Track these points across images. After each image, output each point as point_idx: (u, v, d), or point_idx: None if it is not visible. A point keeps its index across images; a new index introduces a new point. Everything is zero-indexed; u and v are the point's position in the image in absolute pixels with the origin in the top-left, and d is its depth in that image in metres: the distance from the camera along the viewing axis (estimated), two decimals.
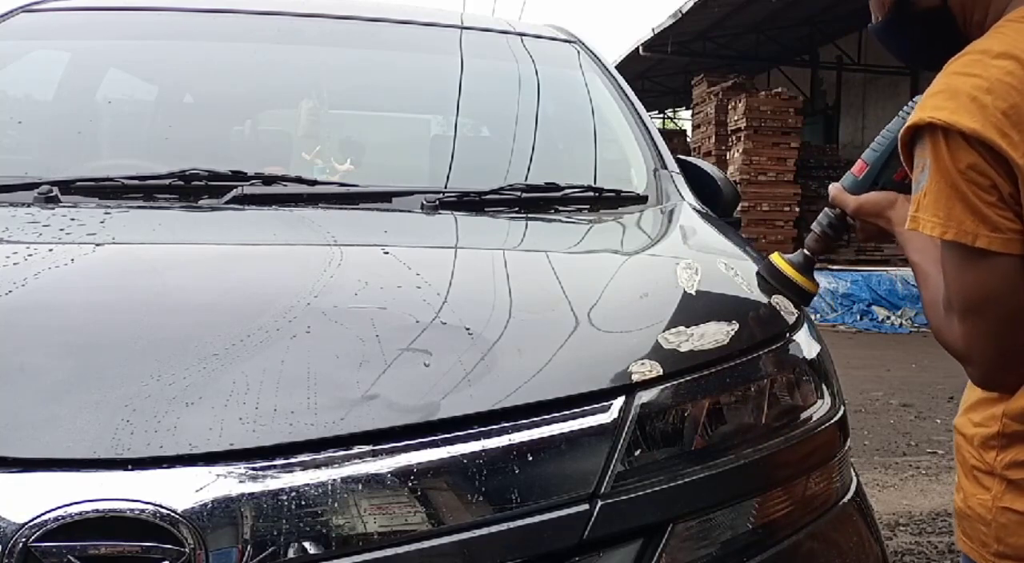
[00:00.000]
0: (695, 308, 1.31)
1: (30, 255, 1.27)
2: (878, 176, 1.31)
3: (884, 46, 1.31)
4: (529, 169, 1.99)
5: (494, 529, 1.01)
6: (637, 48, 16.62)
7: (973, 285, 1.08)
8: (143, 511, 0.90)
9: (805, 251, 1.41)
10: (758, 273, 1.44)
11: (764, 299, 1.38)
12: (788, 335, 1.34)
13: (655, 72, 19.69)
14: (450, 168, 2.04)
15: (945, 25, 1.19)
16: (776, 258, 1.41)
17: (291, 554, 0.94)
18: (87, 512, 0.89)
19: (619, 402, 1.11)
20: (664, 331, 1.21)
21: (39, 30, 2.22)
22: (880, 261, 11.92)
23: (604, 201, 1.87)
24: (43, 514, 0.89)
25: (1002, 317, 1.07)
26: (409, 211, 1.69)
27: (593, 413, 1.09)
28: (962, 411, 1.24)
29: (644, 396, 1.13)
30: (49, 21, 2.24)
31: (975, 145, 1.03)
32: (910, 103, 1.30)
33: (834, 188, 1.36)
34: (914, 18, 1.22)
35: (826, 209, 1.40)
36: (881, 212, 1.29)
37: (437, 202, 1.69)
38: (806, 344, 1.37)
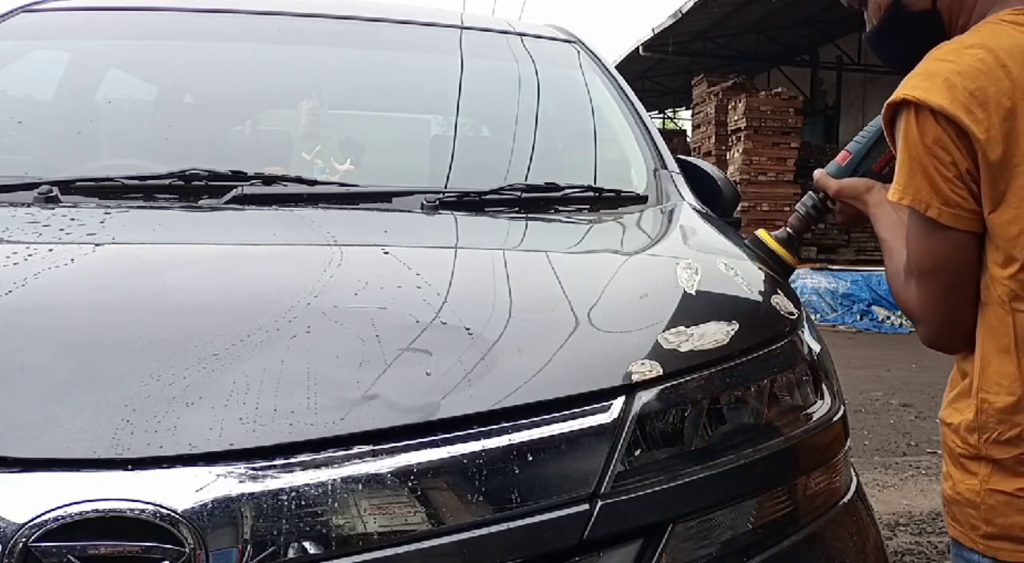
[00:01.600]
0: (695, 308, 1.31)
1: (30, 255, 1.27)
2: (859, 165, 1.46)
3: (877, 51, 1.41)
4: (529, 169, 1.99)
5: (494, 529, 1.01)
6: (637, 48, 16.62)
7: (928, 252, 1.21)
8: (143, 511, 0.90)
9: (788, 229, 1.55)
10: (745, 243, 1.55)
11: (764, 299, 1.39)
12: (788, 335, 1.34)
13: (655, 72, 19.69)
14: (450, 168, 2.04)
15: (934, 28, 1.29)
16: (762, 233, 1.57)
17: (291, 554, 0.94)
18: (87, 512, 0.89)
19: (619, 402, 1.11)
20: (664, 331, 1.21)
21: (39, 30, 2.22)
22: (880, 261, 11.91)
23: (604, 201, 1.87)
24: (43, 514, 0.89)
25: (950, 283, 1.21)
26: (409, 211, 1.69)
27: (593, 413, 1.09)
28: (946, 403, 1.30)
29: (644, 396, 1.12)
30: (49, 21, 2.24)
31: (942, 121, 1.15)
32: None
33: (818, 173, 1.50)
34: (907, 21, 1.32)
35: (810, 192, 1.54)
36: (859, 195, 1.43)
37: (437, 202, 1.69)
38: (806, 344, 1.37)
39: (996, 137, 1.13)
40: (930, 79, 1.17)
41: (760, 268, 1.51)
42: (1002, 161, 1.13)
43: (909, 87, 1.18)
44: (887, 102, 1.22)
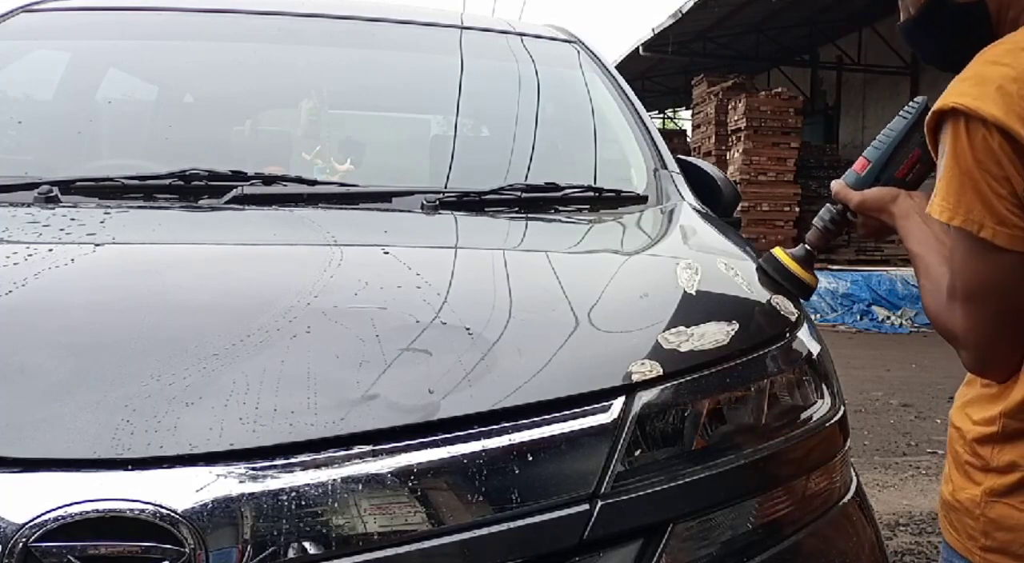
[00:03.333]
0: (695, 308, 1.31)
1: (30, 255, 1.27)
2: (880, 173, 1.33)
3: (912, 44, 1.29)
4: (529, 169, 1.99)
5: (494, 529, 1.01)
6: (637, 48, 16.63)
7: (976, 274, 1.09)
8: (143, 511, 0.90)
9: (806, 246, 1.44)
10: (759, 266, 1.46)
11: (764, 299, 1.38)
12: (788, 335, 1.34)
13: (655, 72, 19.70)
14: (450, 168, 2.04)
15: (978, 23, 1.17)
16: (778, 252, 1.45)
17: (291, 554, 0.94)
18: (87, 512, 0.89)
19: (619, 402, 1.11)
20: (664, 331, 1.21)
21: (39, 30, 2.22)
22: (880, 261, 11.93)
23: (604, 201, 1.87)
24: (43, 514, 0.89)
25: (1001, 308, 1.09)
26: (409, 211, 1.69)
27: (593, 413, 1.09)
28: (959, 405, 1.24)
29: (644, 396, 1.12)
30: (49, 21, 2.24)
31: (994, 133, 1.03)
32: (911, 103, 1.33)
33: (837, 184, 1.38)
34: (949, 14, 1.19)
35: (828, 204, 1.42)
36: (884, 207, 1.31)
37: (437, 202, 1.69)
38: (806, 344, 1.37)
39: None
40: (981, 85, 1.05)
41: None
42: None
43: (957, 93, 1.06)
44: (932, 109, 1.10)
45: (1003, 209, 1.05)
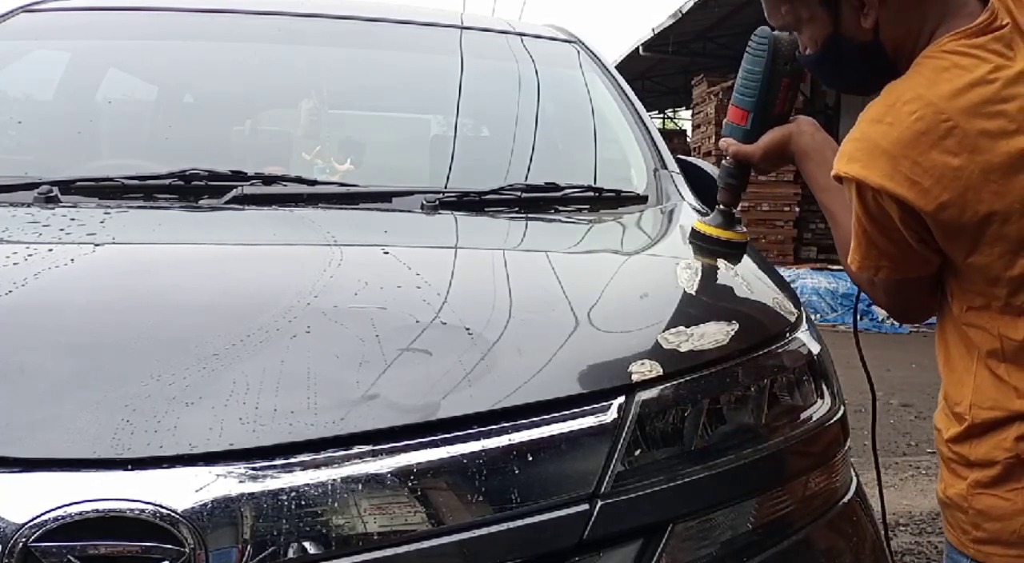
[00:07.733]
0: (695, 308, 1.32)
1: (30, 255, 1.27)
2: (763, 117, 1.41)
3: (816, 76, 1.34)
4: (529, 169, 1.99)
5: (494, 529, 1.01)
6: (637, 48, 16.62)
7: (888, 290, 1.25)
8: (143, 511, 0.90)
9: (720, 206, 1.51)
10: (690, 241, 1.52)
11: (764, 299, 1.39)
12: (788, 335, 1.34)
13: (655, 72, 19.67)
14: (450, 168, 2.04)
15: (876, 56, 1.22)
16: (698, 224, 1.53)
17: (291, 554, 0.94)
18: (87, 512, 0.89)
19: (619, 402, 1.11)
20: (664, 331, 1.21)
21: (39, 30, 2.22)
22: None
23: (604, 201, 1.88)
24: (43, 514, 0.89)
25: (913, 297, 1.26)
26: (409, 211, 1.69)
27: (593, 413, 1.09)
28: (939, 408, 1.29)
29: (644, 396, 1.13)
30: (49, 21, 2.24)
31: (883, 195, 1.12)
32: (756, 39, 1.38)
33: (732, 145, 1.44)
34: (848, 52, 1.25)
35: (723, 162, 1.49)
36: (783, 151, 1.39)
37: (437, 202, 1.69)
38: (806, 344, 1.37)
39: (949, 200, 1.09)
40: (868, 150, 1.12)
41: (760, 267, 1.51)
42: (961, 219, 1.10)
43: (847, 158, 1.14)
44: (832, 173, 1.18)
45: (898, 252, 1.17)
